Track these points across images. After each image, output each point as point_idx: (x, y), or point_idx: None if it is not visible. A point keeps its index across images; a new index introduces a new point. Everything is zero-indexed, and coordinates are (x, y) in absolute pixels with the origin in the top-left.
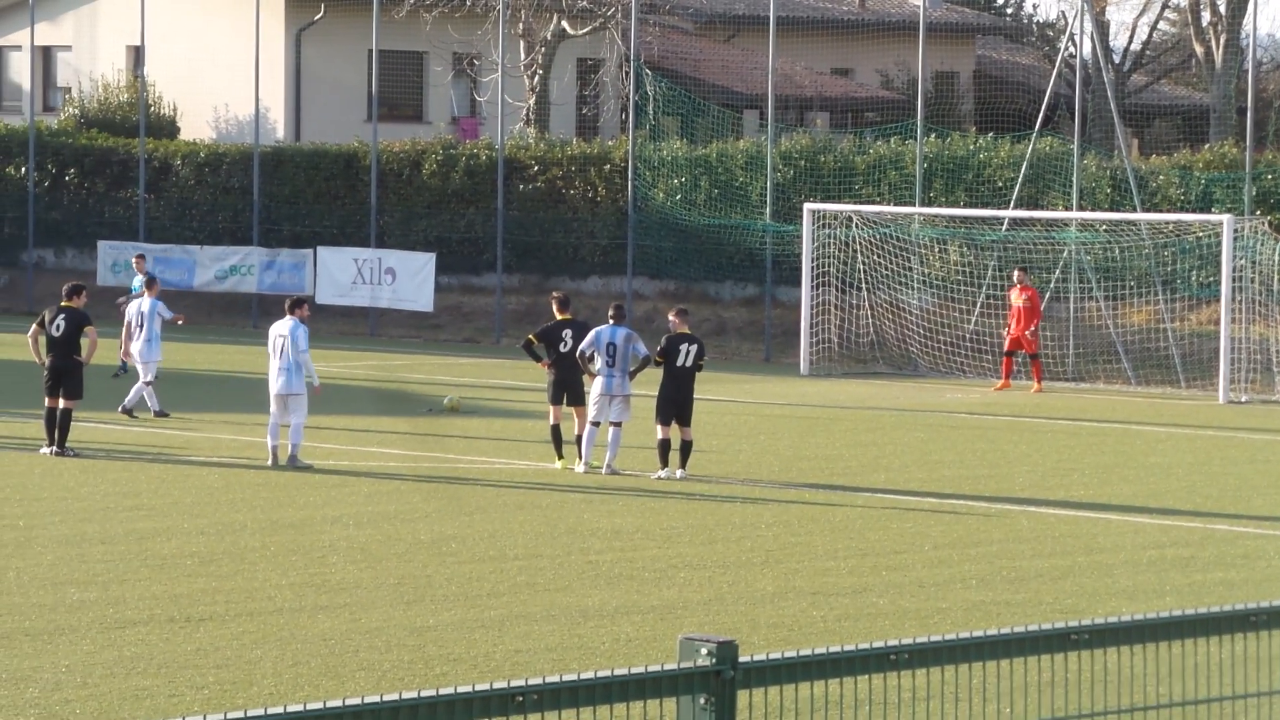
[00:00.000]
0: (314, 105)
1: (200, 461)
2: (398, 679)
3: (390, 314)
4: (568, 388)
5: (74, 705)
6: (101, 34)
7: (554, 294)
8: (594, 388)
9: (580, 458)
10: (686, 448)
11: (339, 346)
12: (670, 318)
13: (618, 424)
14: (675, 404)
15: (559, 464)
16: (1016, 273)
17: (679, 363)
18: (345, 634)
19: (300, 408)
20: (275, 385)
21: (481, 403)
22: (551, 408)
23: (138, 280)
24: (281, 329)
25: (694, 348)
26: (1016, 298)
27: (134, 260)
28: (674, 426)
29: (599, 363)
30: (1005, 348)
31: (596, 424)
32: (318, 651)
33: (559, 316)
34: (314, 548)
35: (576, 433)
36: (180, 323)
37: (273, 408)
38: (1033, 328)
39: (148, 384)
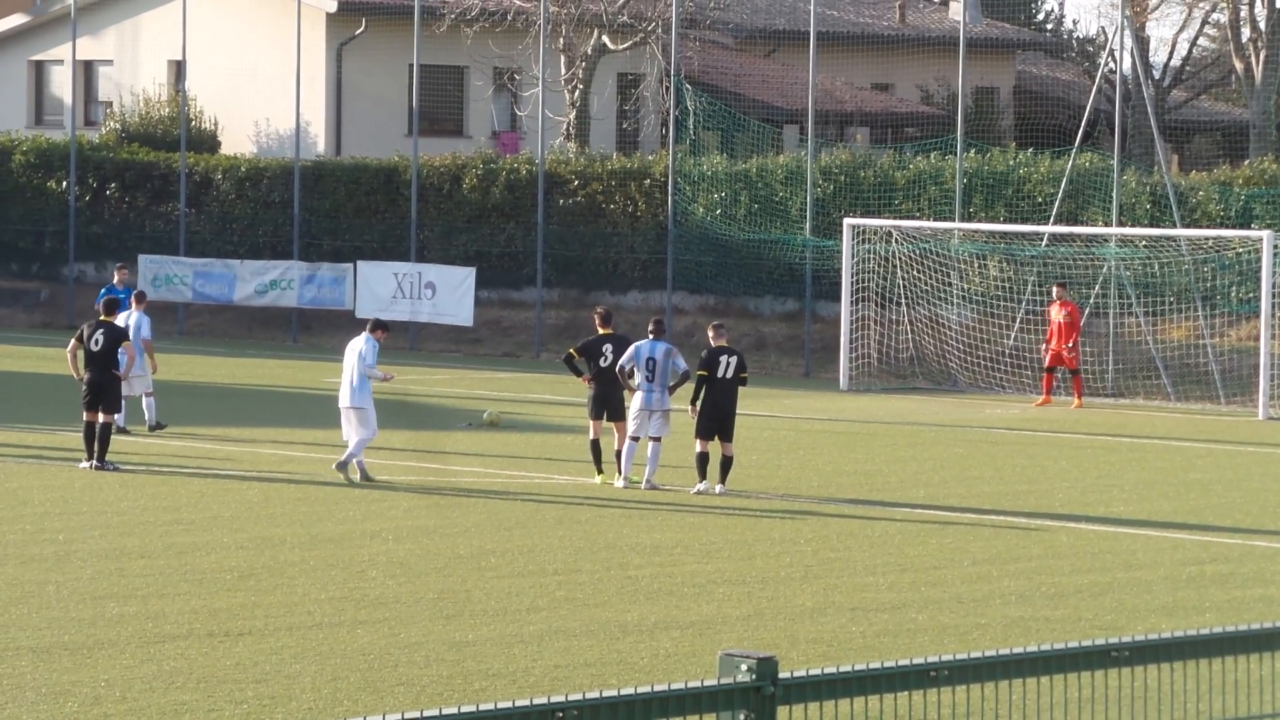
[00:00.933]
0: (355, 119)
1: (240, 476)
2: (436, 694)
3: (430, 328)
4: (608, 403)
5: (113, 719)
6: (143, 48)
7: (597, 308)
8: (633, 403)
9: (620, 473)
10: (727, 463)
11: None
12: (708, 333)
13: (657, 439)
14: (717, 418)
15: (599, 479)
16: (1056, 288)
17: (720, 374)
18: (384, 649)
19: (366, 422)
20: (341, 399)
21: (520, 417)
22: (591, 422)
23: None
24: (357, 344)
25: (734, 359)
26: (1056, 313)
27: (116, 270)
28: (715, 442)
29: (638, 378)
30: (1045, 363)
31: (636, 439)
32: (357, 666)
33: (601, 331)
34: (353, 562)
35: (616, 448)
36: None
37: (341, 421)
38: (1072, 343)
39: (149, 394)
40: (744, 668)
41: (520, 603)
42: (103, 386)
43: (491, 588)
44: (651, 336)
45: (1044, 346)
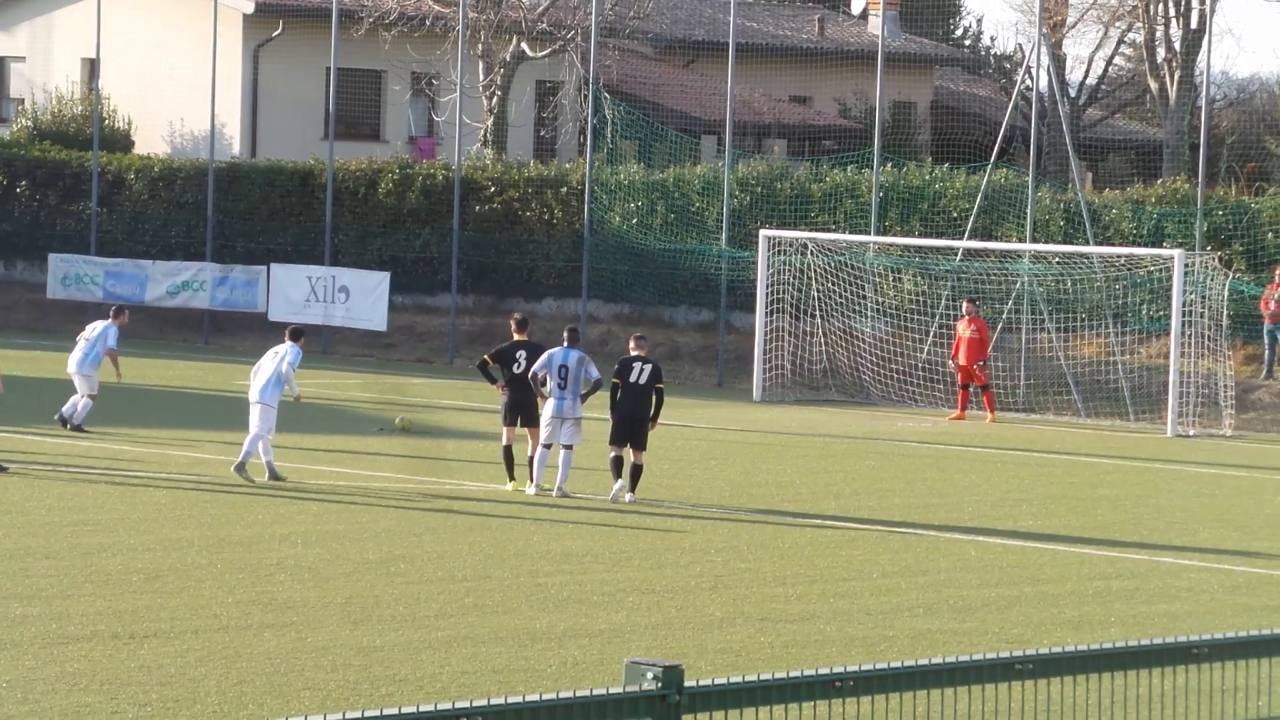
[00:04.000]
0: (271, 122)
1: (148, 478)
2: (343, 699)
3: (343, 332)
4: (521, 409)
5: None
6: (56, 45)
7: (513, 315)
8: (545, 410)
9: (532, 479)
10: (637, 472)
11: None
12: (630, 343)
13: (569, 447)
14: (629, 425)
15: (510, 485)
16: (965, 304)
17: (633, 379)
18: (291, 653)
19: (266, 418)
20: (251, 394)
21: (433, 423)
22: (505, 429)
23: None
24: (281, 349)
25: (648, 368)
26: (964, 329)
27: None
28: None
29: (551, 385)
30: (958, 380)
31: (548, 446)
32: (262, 670)
33: (515, 338)
34: (261, 566)
35: (530, 454)
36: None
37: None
38: (982, 361)
39: (91, 397)
40: (650, 676)
41: (429, 609)
42: None
43: (400, 593)
44: (565, 344)
45: (951, 362)
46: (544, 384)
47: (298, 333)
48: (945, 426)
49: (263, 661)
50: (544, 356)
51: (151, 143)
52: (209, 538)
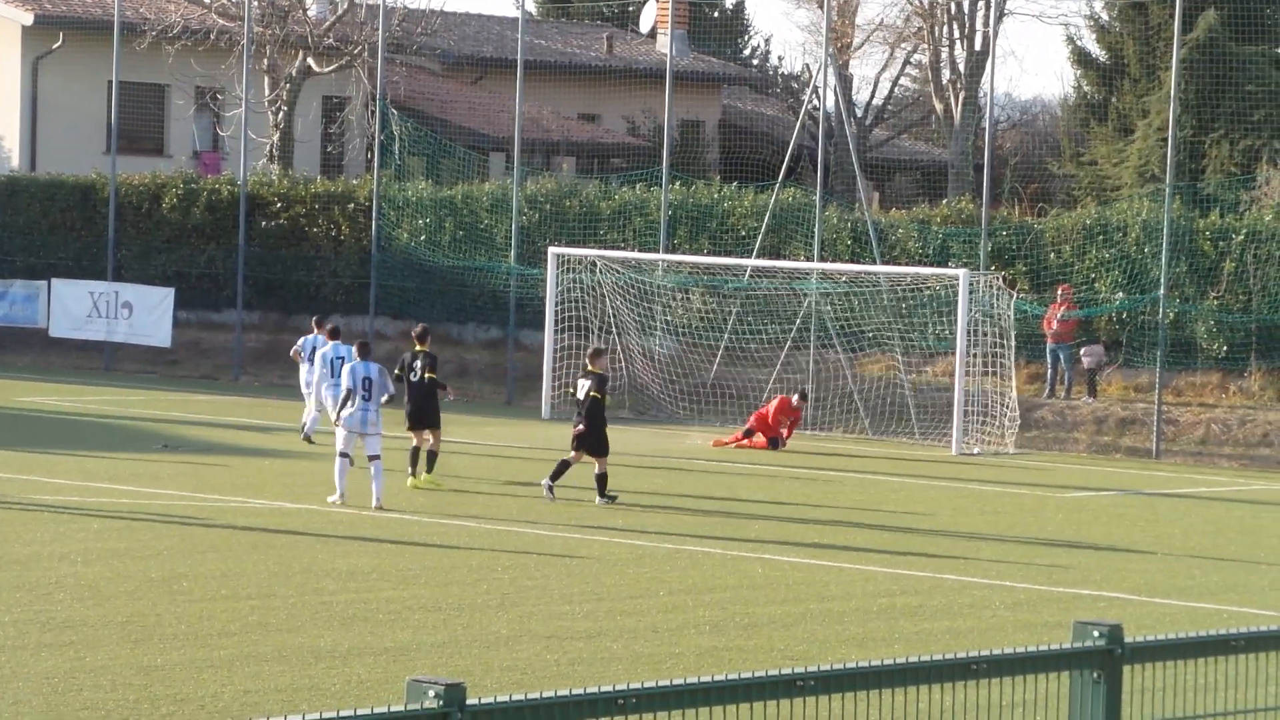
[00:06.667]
0: (51, 135)
1: None
2: (122, 719)
3: (126, 348)
4: (419, 415)
5: None
6: None
7: (416, 326)
8: (348, 421)
9: (336, 490)
10: (432, 458)
11: (72, 380)
12: (588, 358)
13: (377, 457)
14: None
15: (410, 481)
16: (795, 397)
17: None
18: (69, 672)
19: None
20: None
21: (217, 440)
22: (412, 433)
23: None
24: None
25: (589, 381)
26: (780, 409)
27: None
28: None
29: (355, 398)
30: (748, 424)
31: (347, 455)
32: (39, 690)
33: (417, 348)
34: (40, 584)
35: (429, 449)
36: None
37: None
38: (785, 435)
39: None
40: (431, 694)
41: (212, 627)
42: None
43: (183, 612)
44: (359, 357)
45: (754, 415)
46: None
47: (335, 331)
48: (717, 451)
49: (40, 682)
50: (347, 370)
51: None
52: None
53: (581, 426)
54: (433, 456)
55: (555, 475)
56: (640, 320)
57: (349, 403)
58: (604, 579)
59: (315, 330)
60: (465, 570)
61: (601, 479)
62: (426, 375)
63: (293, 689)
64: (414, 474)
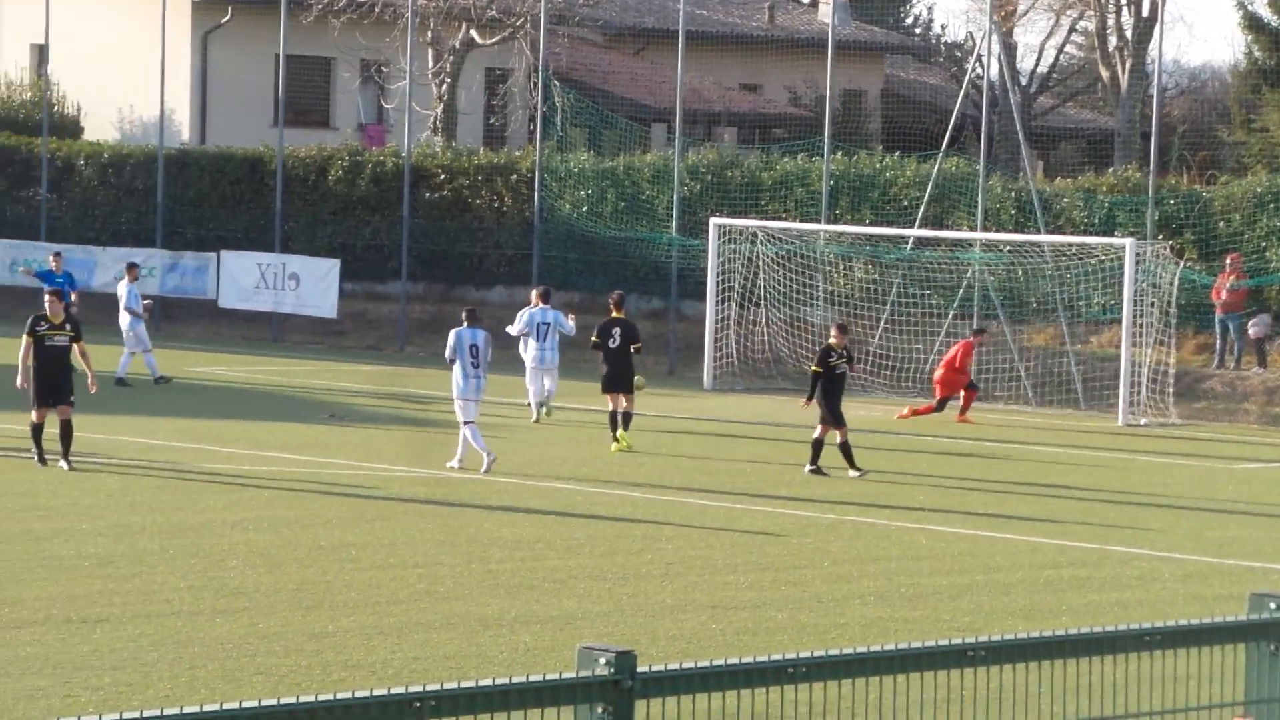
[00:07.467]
0: (220, 108)
1: (99, 464)
2: (295, 684)
3: (293, 319)
4: (616, 380)
5: None
6: (5, 32)
7: (613, 294)
8: (461, 388)
9: (480, 456)
10: (627, 418)
11: (241, 351)
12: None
13: (472, 422)
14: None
15: (614, 446)
16: (973, 336)
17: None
18: (243, 638)
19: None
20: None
21: (383, 410)
22: (607, 396)
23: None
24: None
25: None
26: (965, 354)
27: (50, 258)
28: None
29: (462, 364)
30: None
31: (471, 423)
32: (215, 655)
33: (614, 314)
34: (213, 551)
35: (624, 410)
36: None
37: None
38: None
39: (132, 354)
40: (602, 661)
41: (380, 595)
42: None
43: (352, 579)
44: (467, 324)
45: (936, 367)
46: (453, 362)
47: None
48: (896, 417)
49: (215, 646)
50: (452, 337)
51: (101, 129)
52: (161, 523)
53: (817, 403)
54: (627, 417)
55: (818, 455)
56: (800, 291)
57: (456, 369)
58: (767, 549)
59: (535, 302)
60: (630, 540)
61: (846, 448)
62: (633, 347)
63: (460, 656)
64: (616, 438)
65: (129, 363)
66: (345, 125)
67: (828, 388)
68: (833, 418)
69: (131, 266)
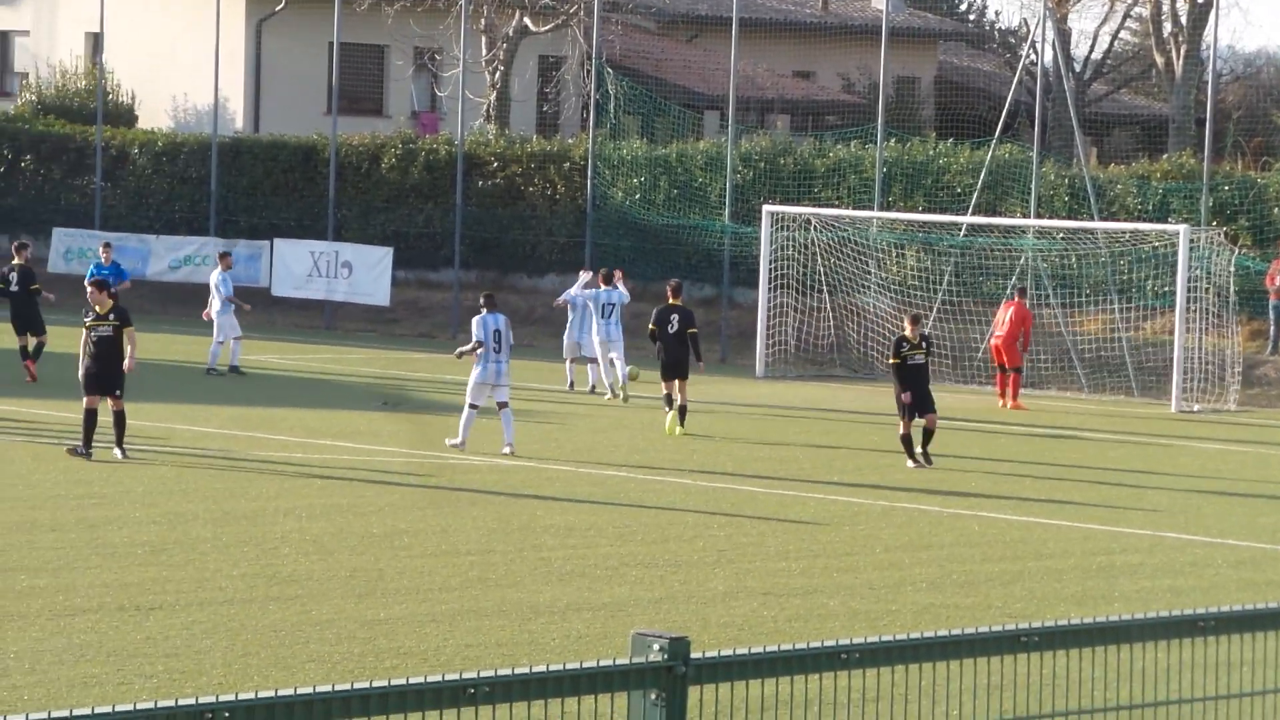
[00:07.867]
0: (273, 97)
1: (152, 452)
2: (348, 671)
3: (346, 307)
4: (675, 366)
5: (21, 691)
6: (61, 20)
7: (669, 281)
8: (482, 373)
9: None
10: (682, 413)
11: (294, 339)
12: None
13: (506, 404)
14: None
15: (678, 430)
16: (1016, 292)
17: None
18: (296, 625)
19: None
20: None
21: (436, 398)
22: (663, 382)
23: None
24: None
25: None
26: (1004, 313)
27: (100, 248)
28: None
29: (485, 350)
30: (996, 364)
31: (476, 407)
32: (268, 642)
33: (671, 301)
34: (266, 539)
35: (679, 403)
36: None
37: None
38: (1020, 342)
39: (220, 343)
40: (656, 647)
41: (433, 582)
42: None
43: (404, 567)
44: (486, 309)
45: (992, 342)
46: (476, 349)
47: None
48: (949, 401)
49: (268, 634)
50: (477, 322)
51: (155, 117)
52: (214, 511)
53: (906, 395)
54: (683, 411)
55: (910, 451)
56: (853, 278)
57: (478, 354)
58: (819, 536)
59: (600, 285)
60: (681, 527)
61: (929, 434)
62: (689, 331)
63: (513, 643)
64: (671, 421)
65: (219, 353)
66: (398, 113)
67: (907, 379)
68: (918, 405)
69: (224, 255)
